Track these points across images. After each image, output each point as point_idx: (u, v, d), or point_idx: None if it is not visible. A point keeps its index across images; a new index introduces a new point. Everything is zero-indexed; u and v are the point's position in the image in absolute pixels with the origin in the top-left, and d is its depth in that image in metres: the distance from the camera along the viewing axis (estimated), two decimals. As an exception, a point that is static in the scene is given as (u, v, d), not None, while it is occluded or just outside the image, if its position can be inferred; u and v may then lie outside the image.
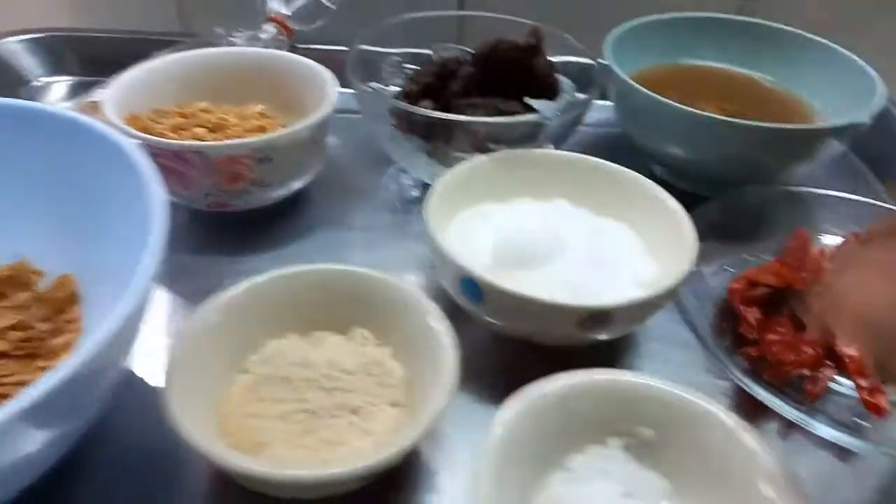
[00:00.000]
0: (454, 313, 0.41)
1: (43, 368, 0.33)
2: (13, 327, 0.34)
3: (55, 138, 0.36)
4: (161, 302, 0.43)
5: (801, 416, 0.35)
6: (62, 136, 0.35)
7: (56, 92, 0.62)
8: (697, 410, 0.31)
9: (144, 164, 0.33)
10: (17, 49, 0.61)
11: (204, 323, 0.33)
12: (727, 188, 0.49)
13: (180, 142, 0.42)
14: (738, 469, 0.29)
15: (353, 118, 0.54)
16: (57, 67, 0.63)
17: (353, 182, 0.55)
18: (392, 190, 0.54)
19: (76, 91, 0.60)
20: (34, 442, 0.25)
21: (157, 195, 0.31)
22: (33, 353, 0.34)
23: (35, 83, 0.62)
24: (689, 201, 0.46)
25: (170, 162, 0.42)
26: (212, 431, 0.31)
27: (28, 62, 0.62)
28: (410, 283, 0.36)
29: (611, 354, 0.41)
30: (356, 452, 0.31)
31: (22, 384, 0.32)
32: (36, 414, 0.23)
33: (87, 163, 0.35)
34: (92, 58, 0.63)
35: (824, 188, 0.51)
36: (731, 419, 0.30)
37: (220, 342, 0.34)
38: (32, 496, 0.28)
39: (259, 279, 0.35)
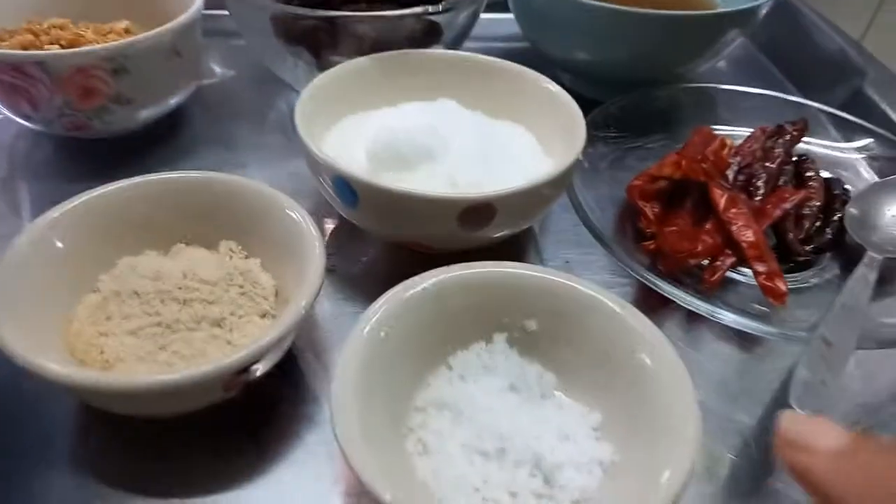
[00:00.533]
0: (342, 228, 0.39)
1: None
2: None
3: None
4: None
5: (702, 304, 0.33)
6: None
7: None
8: (584, 298, 0.29)
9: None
10: None
11: (35, 238, 0.29)
12: (636, 90, 0.47)
13: (17, 52, 0.37)
14: (622, 349, 0.28)
15: (242, 45, 0.50)
16: None
17: (240, 104, 0.51)
18: (282, 110, 0.51)
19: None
20: None
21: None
22: None
23: None
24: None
25: (11, 78, 0.37)
26: (59, 352, 0.28)
27: None
28: (275, 189, 0.33)
29: (506, 257, 0.39)
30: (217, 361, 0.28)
31: None
32: None
33: None
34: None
35: (730, 84, 0.50)
36: (616, 305, 0.29)
37: (60, 258, 0.30)
38: None
39: (103, 189, 0.32)
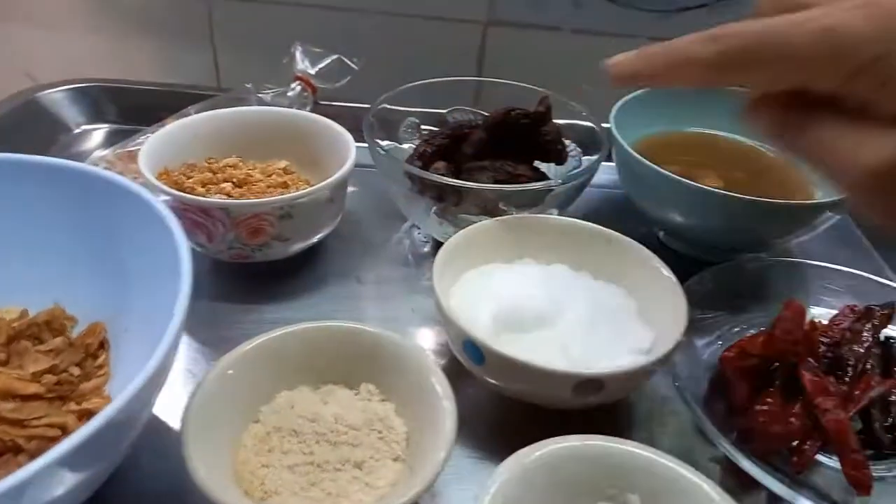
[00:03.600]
0: (459, 370, 0.44)
1: (73, 412, 0.35)
2: (48, 371, 0.36)
3: (88, 193, 0.39)
4: (182, 348, 0.45)
5: (784, 489, 0.36)
6: (95, 191, 0.39)
7: (95, 139, 0.66)
8: (683, 481, 0.33)
9: (170, 218, 0.35)
10: (59, 98, 0.66)
11: (220, 374, 0.35)
12: (727, 254, 0.51)
13: (207, 199, 0.45)
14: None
15: (373, 171, 0.57)
16: (96, 116, 0.67)
17: (367, 235, 0.57)
18: (405, 244, 0.57)
19: (113, 138, 0.64)
20: (64, 485, 0.27)
21: (182, 251, 0.34)
22: (64, 396, 0.37)
23: (76, 131, 0.66)
24: (691, 265, 0.48)
25: (197, 216, 0.45)
26: (226, 478, 0.34)
27: (69, 111, 0.66)
28: (414, 342, 0.38)
29: (607, 416, 0.43)
30: (359, 505, 0.33)
31: (52, 426, 0.34)
32: (73, 459, 0.25)
33: (117, 217, 0.38)
34: (129, 107, 0.67)
35: (823, 258, 0.53)
36: (715, 492, 0.32)
37: (234, 392, 0.36)
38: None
39: (272, 335, 0.38)
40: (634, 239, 0.47)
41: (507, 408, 0.43)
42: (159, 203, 0.37)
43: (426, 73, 0.60)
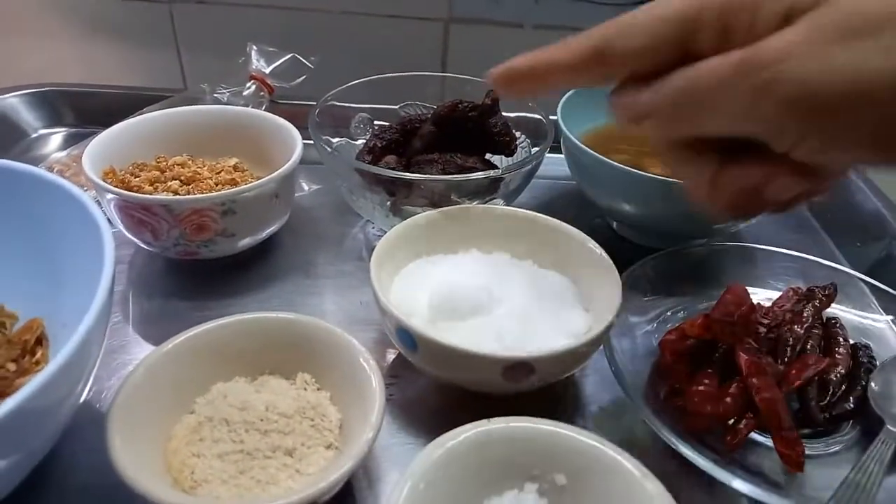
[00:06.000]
0: (404, 360, 0.44)
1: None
2: (-18, 367, 0.37)
3: (27, 194, 0.39)
4: (133, 345, 0.46)
5: (715, 468, 0.36)
6: (33, 191, 0.39)
7: (53, 143, 0.66)
8: (605, 458, 0.33)
9: (100, 216, 0.36)
10: (15, 103, 0.66)
11: (148, 368, 0.36)
12: (679, 241, 0.52)
13: (148, 196, 0.45)
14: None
15: (327, 171, 0.57)
16: (55, 120, 0.68)
17: (323, 231, 0.58)
18: (359, 239, 0.57)
19: (72, 142, 0.64)
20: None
21: (106, 246, 0.34)
22: (1, 391, 0.37)
23: (34, 135, 0.67)
24: (646, 254, 0.49)
25: (140, 214, 0.45)
26: (157, 468, 0.34)
27: (27, 116, 0.67)
28: (345, 331, 0.39)
29: (546, 401, 0.43)
30: (287, 492, 0.33)
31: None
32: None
33: (54, 216, 0.39)
34: (88, 111, 0.68)
35: (774, 243, 0.53)
36: (635, 467, 0.32)
37: (167, 384, 0.36)
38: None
39: (207, 326, 0.38)
40: (589, 229, 0.47)
41: (448, 396, 0.43)
42: (87, 198, 0.37)
43: (390, 71, 0.61)
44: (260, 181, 0.47)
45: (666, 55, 0.25)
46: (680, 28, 0.24)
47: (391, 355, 0.46)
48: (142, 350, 0.45)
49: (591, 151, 0.51)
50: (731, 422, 0.40)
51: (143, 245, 0.49)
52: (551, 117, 0.56)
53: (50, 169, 0.58)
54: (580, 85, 0.27)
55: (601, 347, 0.41)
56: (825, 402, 0.42)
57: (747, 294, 0.47)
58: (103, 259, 0.34)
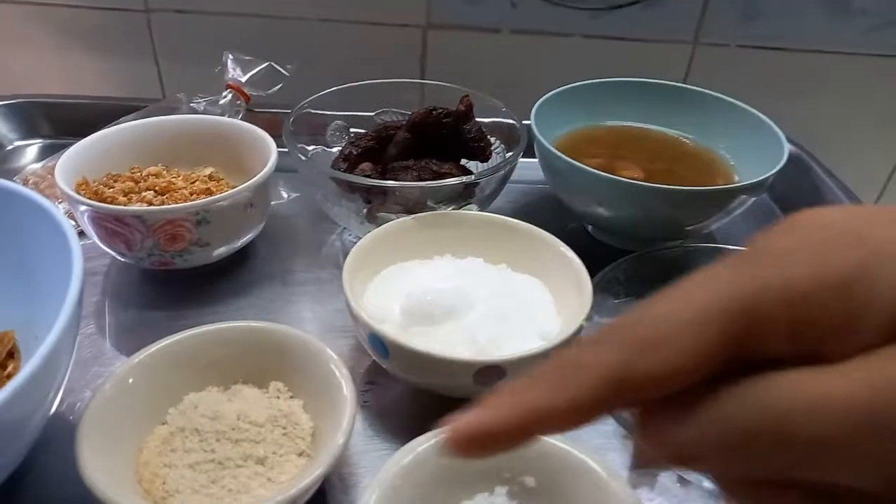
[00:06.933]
0: (379, 368, 0.44)
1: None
2: (-48, 381, 0.37)
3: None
4: (109, 356, 0.46)
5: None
6: (3, 204, 0.39)
7: (29, 155, 0.66)
8: (572, 459, 0.33)
9: (69, 228, 0.36)
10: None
11: (119, 380, 0.36)
12: (654, 244, 0.52)
13: (120, 207, 0.45)
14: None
15: (303, 178, 0.57)
16: (30, 132, 0.67)
17: (301, 239, 0.58)
18: (336, 246, 0.58)
19: (47, 153, 0.64)
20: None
21: (75, 256, 0.34)
22: (-30, 405, 0.37)
23: (9, 147, 0.66)
24: (619, 256, 0.49)
25: (113, 225, 0.45)
26: (128, 479, 0.34)
27: (1, 128, 0.66)
28: (321, 339, 0.39)
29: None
30: (258, 500, 0.33)
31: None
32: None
33: (24, 229, 0.39)
34: (64, 122, 0.67)
35: (746, 242, 0.54)
36: (602, 468, 0.33)
37: (139, 395, 0.36)
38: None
39: (179, 336, 0.38)
40: (564, 233, 0.47)
41: (424, 402, 0.43)
42: (57, 211, 0.37)
43: (369, 78, 0.61)
44: (233, 190, 0.47)
45: (710, 368, 0.16)
46: (729, 329, 0.15)
47: (367, 362, 0.46)
48: (117, 361, 0.45)
49: (564, 156, 0.51)
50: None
51: (117, 256, 0.49)
52: (524, 122, 0.56)
53: (25, 181, 0.58)
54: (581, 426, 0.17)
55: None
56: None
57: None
58: (69, 267, 0.34)
